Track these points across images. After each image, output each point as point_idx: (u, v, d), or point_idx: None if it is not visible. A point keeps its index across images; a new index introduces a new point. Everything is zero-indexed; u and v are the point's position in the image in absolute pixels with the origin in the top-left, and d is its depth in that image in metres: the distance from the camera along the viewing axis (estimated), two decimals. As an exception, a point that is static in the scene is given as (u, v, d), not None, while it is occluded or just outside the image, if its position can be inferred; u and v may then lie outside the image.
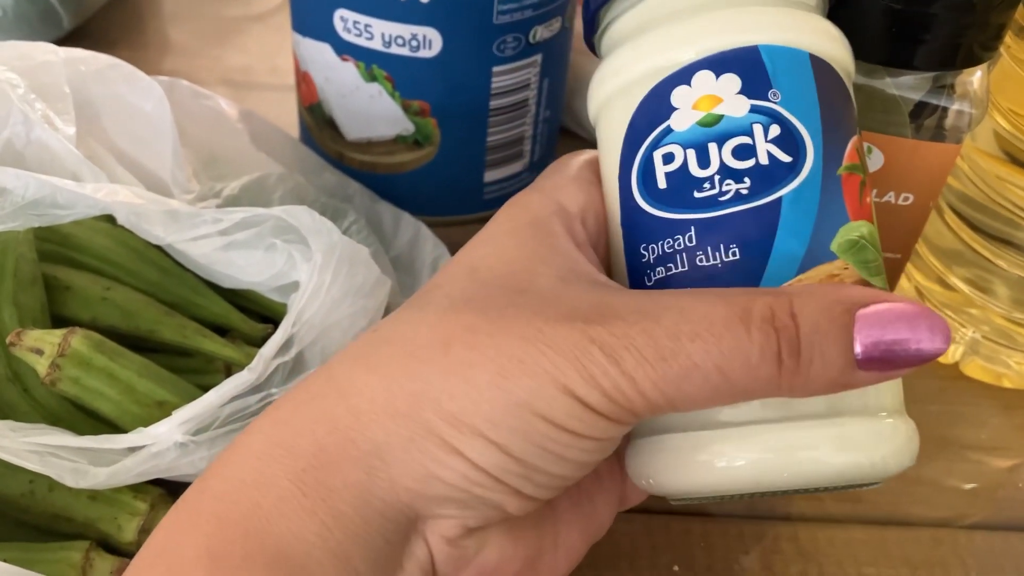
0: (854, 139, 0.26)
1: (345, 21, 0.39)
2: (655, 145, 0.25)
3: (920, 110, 0.34)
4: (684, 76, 0.25)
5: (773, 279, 0.23)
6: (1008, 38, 0.37)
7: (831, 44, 0.26)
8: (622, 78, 0.26)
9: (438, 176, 0.43)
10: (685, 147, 0.25)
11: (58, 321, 0.33)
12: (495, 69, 0.40)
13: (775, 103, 0.24)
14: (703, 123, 0.25)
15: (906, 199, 0.36)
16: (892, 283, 0.40)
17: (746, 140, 0.24)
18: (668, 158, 0.25)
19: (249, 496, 0.21)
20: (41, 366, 0.29)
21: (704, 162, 0.24)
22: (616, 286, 0.24)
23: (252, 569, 0.20)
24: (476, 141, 0.42)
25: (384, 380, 0.22)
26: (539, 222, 0.25)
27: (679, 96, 0.25)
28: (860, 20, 0.32)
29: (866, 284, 0.24)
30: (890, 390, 0.25)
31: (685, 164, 0.24)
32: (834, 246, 0.24)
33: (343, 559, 0.21)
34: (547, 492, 0.23)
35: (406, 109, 0.41)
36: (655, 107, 0.25)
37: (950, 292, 0.42)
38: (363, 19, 0.38)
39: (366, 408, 0.22)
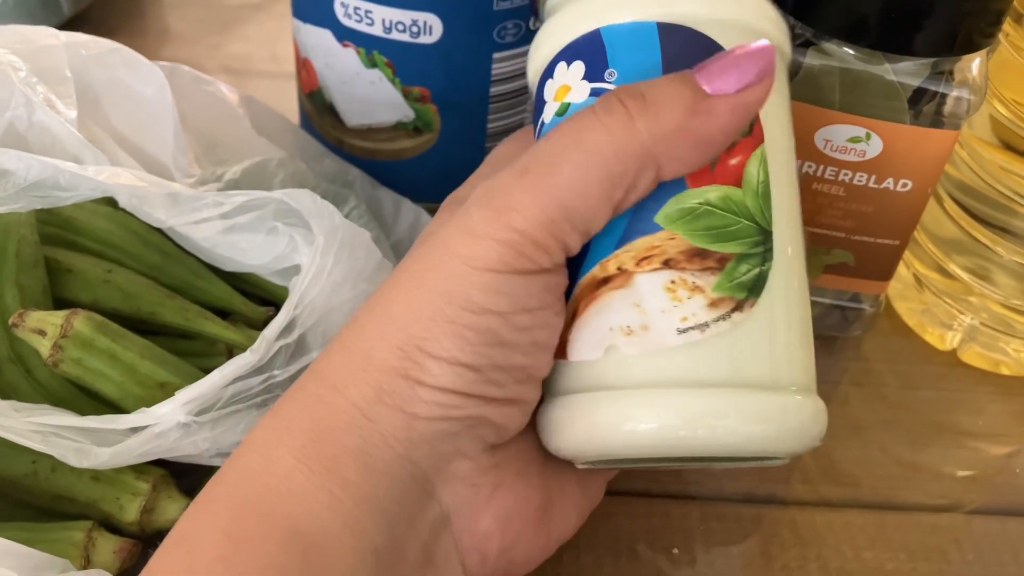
0: None
1: (346, 7, 0.39)
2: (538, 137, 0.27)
3: (919, 96, 0.34)
4: (550, 70, 0.26)
5: (595, 255, 0.24)
6: (1007, 25, 0.37)
7: (686, 5, 0.25)
8: (528, 78, 0.28)
9: (438, 162, 0.43)
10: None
11: (60, 303, 0.33)
12: (495, 55, 0.40)
13: (610, 83, 0.25)
14: (558, 112, 0.26)
15: (904, 185, 0.36)
16: (891, 270, 0.40)
17: None
18: None
19: (260, 480, 0.22)
20: (44, 347, 0.29)
21: None
22: None
23: (268, 548, 0.21)
24: (476, 127, 0.42)
25: (339, 348, 0.24)
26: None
27: (548, 89, 0.26)
28: (860, 6, 0.32)
29: (702, 254, 0.24)
30: (801, 366, 0.25)
31: None
32: (659, 217, 0.24)
33: (356, 528, 0.22)
34: (516, 388, 0.24)
35: (406, 95, 0.41)
36: (538, 104, 0.27)
37: (949, 280, 0.42)
38: (364, 5, 0.38)
39: (340, 379, 0.23)
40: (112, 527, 0.30)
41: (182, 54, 0.56)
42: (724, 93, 0.23)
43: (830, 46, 0.34)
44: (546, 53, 0.27)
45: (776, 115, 0.26)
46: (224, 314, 0.35)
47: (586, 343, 0.24)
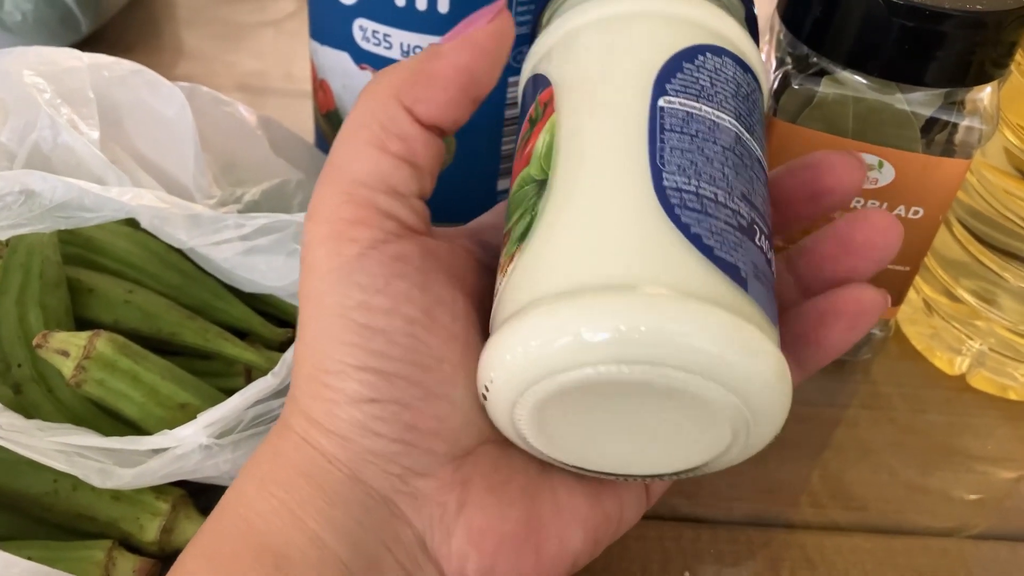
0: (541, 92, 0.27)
1: (364, 30, 0.39)
2: None
3: (931, 125, 0.35)
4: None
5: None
6: (1019, 55, 0.37)
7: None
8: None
9: (452, 184, 0.44)
10: None
11: (81, 323, 0.34)
12: (510, 80, 0.40)
13: None
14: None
15: (916, 213, 0.37)
16: (901, 295, 0.40)
17: None
18: None
19: (233, 509, 0.24)
20: (67, 368, 0.30)
21: None
22: None
23: (242, 563, 0.22)
24: (490, 150, 0.43)
25: (296, 380, 0.24)
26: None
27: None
28: (873, 36, 0.33)
29: (505, 234, 0.25)
30: (649, 258, 0.23)
31: None
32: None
33: (320, 544, 0.23)
34: (430, 378, 0.23)
35: (422, 117, 0.41)
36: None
37: (957, 304, 0.43)
38: (382, 28, 0.39)
39: (286, 410, 0.25)
40: (132, 546, 0.30)
41: (197, 71, 0.57)
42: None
43: (844, 75, 0.34)
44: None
45: (579, 86, 0.25)
46: (243, 335, 0.36)
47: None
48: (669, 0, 0.26)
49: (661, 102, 0.24)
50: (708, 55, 0.25)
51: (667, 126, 0.24)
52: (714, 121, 0.24)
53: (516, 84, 0.41)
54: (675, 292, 0.21)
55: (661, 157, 0.23)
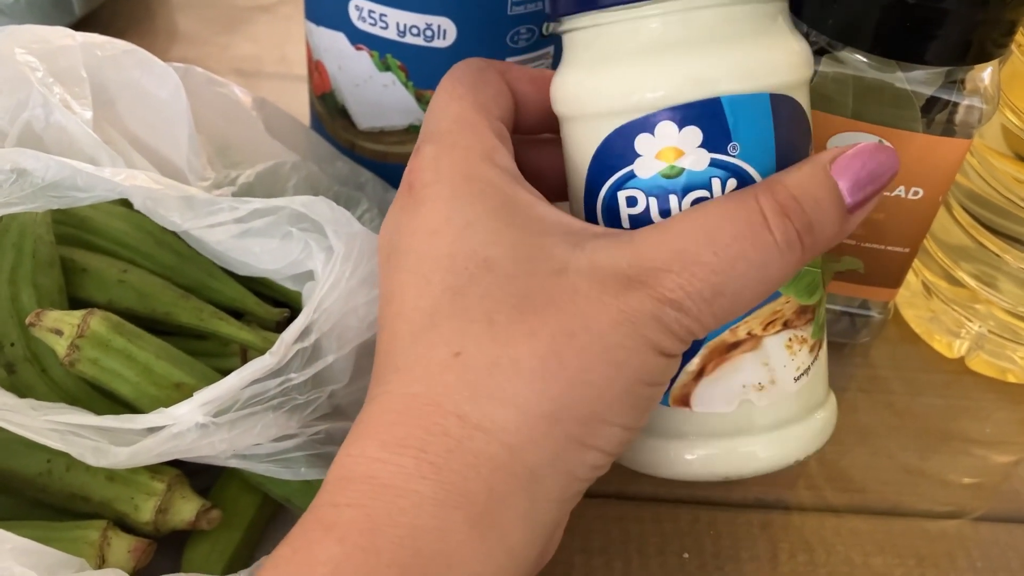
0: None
1: (360, 10, 0.39)
2: (619, 185, 0.26)
3: (931, 105, 0.35)
4: (647, 124, 0.25)
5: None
6: (1020, 35, 0.37)
7: (789, 73, 0.26)
8: (584, 107, 0.27)
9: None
10: (648, 194, 0.26)
11: (75, 303, 0.33)
12: (509, 60, 0.40)
13: (734, 156, 0.26)
14: (665, 174, 0.26)
15: (916, 193, 0.37)
16: (900, 277, 0.40)
17: (705, 194, 0.26)
18: (631, 201, 0.26)
19: (429, 544, 0.22)
20: (60, 347, 0.29)
21: (665, 211, 0.26)
22: (606, 229, 0.26)
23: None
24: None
25: (520, 410, 0.23)
26: (502, 190, 0.25)
27: (643, 143, 0.26)
28: (873, 15, 0.32)
29: (805, 309, 0.28)
30: (821, 381, 0.29)
31: (647, 211, 0.26)
32: None
33: None
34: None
35: (419, 99, 0.41)
36: (619, 148, 0.26)
37: (957, 287, 0.43)
38: (378, 8, 0.38)
39: (514, 440, 0.23)
40: (127, 527, 0.30)
41: (192, 55, 0.56)
42: (861, 207, 0.25)
43: (844, 54, 0.34)
44: (639, 103, 0.25)
45: None
46: (238, 315, 0.35)
47: (717, 398, 0.27)
48: None
49: None
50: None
51: None
52: None
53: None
54: (824, 402, 0.30)
55: None
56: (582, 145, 0.27)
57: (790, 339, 0.27)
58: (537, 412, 0.23)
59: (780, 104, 0.26)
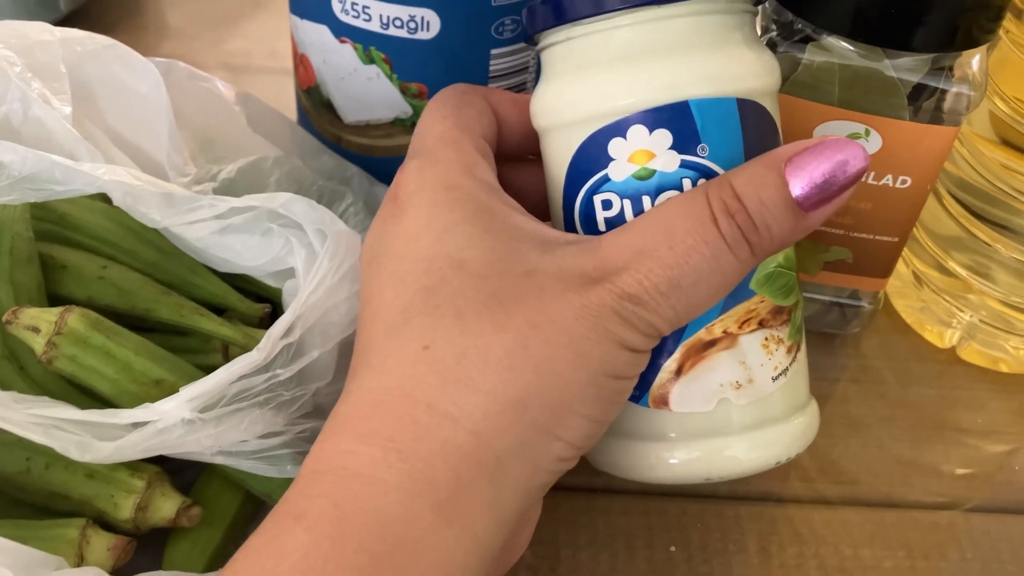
0: None
1: (343, 3, 0.39)
2: (594, 190, 0.27)
3: (918, 92, 0.34)
4: (620, 128, 0.26)
5: (696, 323, 0.27)
6: (1007, 21, 0.37)
7: (754, 80, 0.27)
8: (560, 116, 0.28)
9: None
10: (622, 197, 0.27)
11: (54, 300, 0.33)
12: (493, 52, 0.40)
13: (703, 157, 0.26)
14: (638, 176, 0.26)
15: (904, 182, 0.36)
16: (889, 267, 0.40)
17: (676, 194, 0.26)
18: (606, 204, 0.27)
19: (395, 531, 0.22)
20: (38, 344, 0.29)
21: (639, 212, 0.27)
22: (578, 236, 0.27)
23: None
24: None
25: (487, 397, 0.23)
26: (479, 200, 0.26)
27: (616, 147, 0.27)
28: (860, 1, 0.32)
29: (781, 310, 0.28)
30: (801, 384, 0.30)
31: (622, 213, 0.27)
32: (752, 283, 0.27)
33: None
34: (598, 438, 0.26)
35: (404, 92, 0.41)
36: (594, 154, 0.27)
37: (948, 277, 0.42)
38: (361, 0, 0.38)
39: (481, 428, 0.23)
40: (106, 524, 0.30)
41: (181, 50, 0.56)
42: (819, 208, 0.25)
43: (830, 41, 0.34)
44: (612, 109, 0.26)
45: None
46: (220, 311, 0.35)
47: (696, 396, 0.27)
48: None
49: None
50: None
51: None
52: None
53: (499, 57, 0.40)
54: (804, 406, 0.30)
55: None
56: (559, 154, 0.28)
57: (766, 338, 0.28)
58: (504, 399, 0.23)
59: (747, 108, 0.27)
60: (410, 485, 0.23)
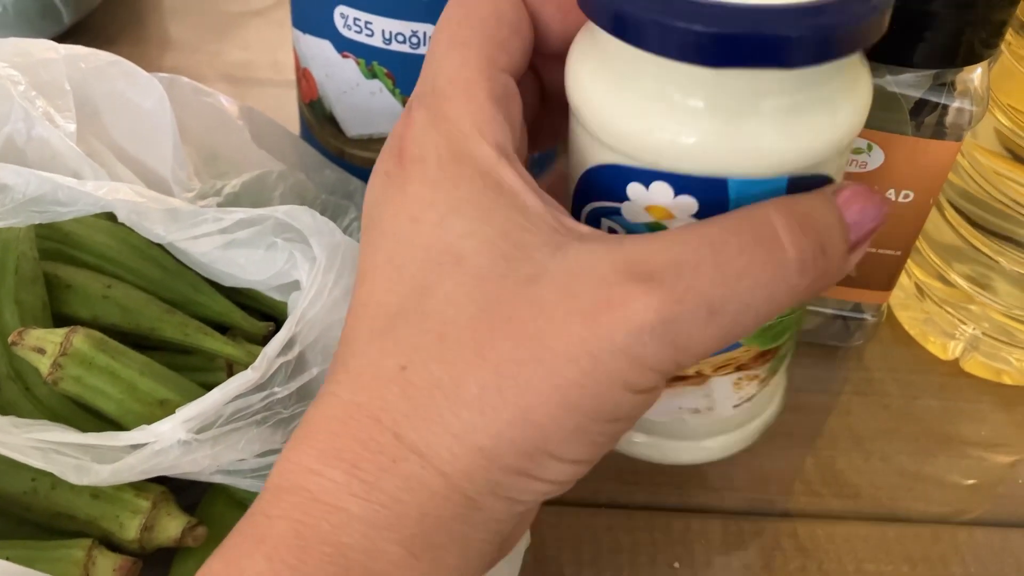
0: None
1: (345, 18, 0.39)
2: (604, 213, 0.25)
3: (921, 107, 0.34)
4: (643, 176, 0.23)
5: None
6: (1009, 35, 0.37)
7: (826, 150, 0.23)
8: (588, 123, 0.24)
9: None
10: (630, 233, 0.24)
11: (59, 319, 0.33)
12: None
13: None
14: (650, 226, 0.24)
15: (906, 196, 0.36)
16: (892, 280, 0.40)
17: None
18: (612, 231, 0.25)
19: (361, 564, 0.21)
20: (43, 365, 0.29)
21: None
22: (594, 231, 0.23)
23: None
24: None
25: (455, 439, 0.22)
26: (488, 174, 0.23)
27: (635, 191, 0.24)
28: (861, 17, 0.32)
29: (765, 353, 0.26)
30: (767, 399, 0.30)
31: None
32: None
33: None
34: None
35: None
36: (611, 182, 0.24)
37: (950, 288, 0.42)
38: (363, 16, 0.38)
39: (449, 470, 0.22)
40: (112, 545, 0.30)
41: (183, 62, 0.56)
42: (857, 248, 0.23)
43: (831, 58, 0.34)
44: (640, 153, 0.23)
45: None
46: (224, 329, 0.35)
47: (654, 410, 0.25)
48: None
49: None
50: None
51: None
52: None
53: None
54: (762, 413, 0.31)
55: None
56: (580, 151, 0.25)
57: (740, 378, 0.27)
58: (473, 445, 0.21)
59: (802, 183, 0.23)
60: (374, 518, 0.21)
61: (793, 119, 0.22)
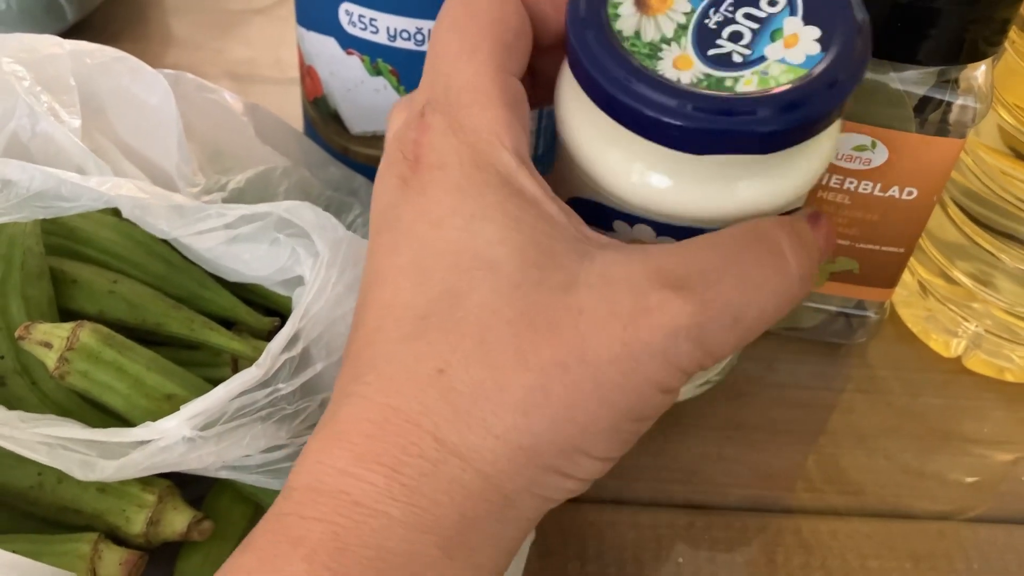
0: None
1: (350, 15, 0.39)
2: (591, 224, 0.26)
3: (924, 104, 0.34)
4: (627, 216, 0.25)
5: None
6: (1013, 33, 0.37)
7: (795, 198, 0.25)
8: (581, 163, 0.25)
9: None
10: None
11: (65, 314, 0.33)
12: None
13: None
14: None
15: (910, 193, 0.36)
16: (895, 277, 0.40)
17: None
18: None
19: (399, 564, 0.22)
20: (50, 360, 0.29)
21: None
22: (612, 241, 0.24)
23: None
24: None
25: (499, 441, 0.22)
26: (509, 182, 0.23)
27: (620, 227, 0.26)
28: (865, 15, 0.32)
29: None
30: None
31: None
32: None
33: None
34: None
35: (411, 103, 0.41)
36: (597, 213, 0.26)
37: (953, 286, 0.42)
38: (368, 13, 0.38)
39: (491, 470, 0.22)
40: (118, 539, 0.30)
41: (186, 59, 0.56)
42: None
43: (835, 55, 0.34)
44: (626, 197, 0.25)
45: None
46: (229, 324, 0.35)
47: None
48: None
49: None
50: None
51: None
52: None
53: None
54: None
55: None
56: (569, 180, 0.26)
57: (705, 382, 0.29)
58: (516, 444, 0.22)
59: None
60: (415, 521, 0.22)
61: (769, 177, 0.24)
